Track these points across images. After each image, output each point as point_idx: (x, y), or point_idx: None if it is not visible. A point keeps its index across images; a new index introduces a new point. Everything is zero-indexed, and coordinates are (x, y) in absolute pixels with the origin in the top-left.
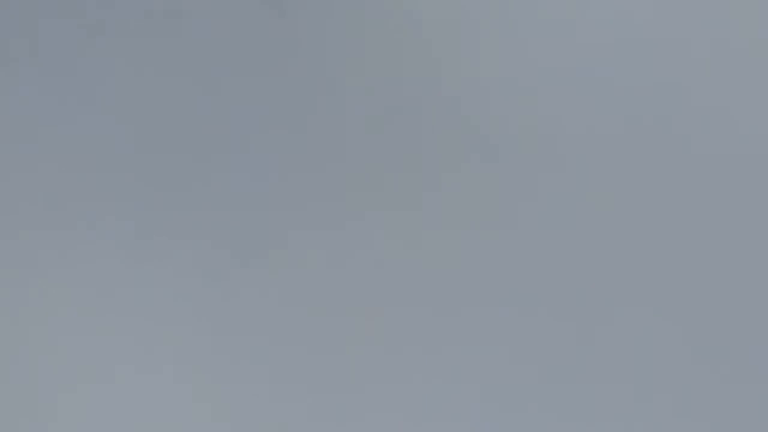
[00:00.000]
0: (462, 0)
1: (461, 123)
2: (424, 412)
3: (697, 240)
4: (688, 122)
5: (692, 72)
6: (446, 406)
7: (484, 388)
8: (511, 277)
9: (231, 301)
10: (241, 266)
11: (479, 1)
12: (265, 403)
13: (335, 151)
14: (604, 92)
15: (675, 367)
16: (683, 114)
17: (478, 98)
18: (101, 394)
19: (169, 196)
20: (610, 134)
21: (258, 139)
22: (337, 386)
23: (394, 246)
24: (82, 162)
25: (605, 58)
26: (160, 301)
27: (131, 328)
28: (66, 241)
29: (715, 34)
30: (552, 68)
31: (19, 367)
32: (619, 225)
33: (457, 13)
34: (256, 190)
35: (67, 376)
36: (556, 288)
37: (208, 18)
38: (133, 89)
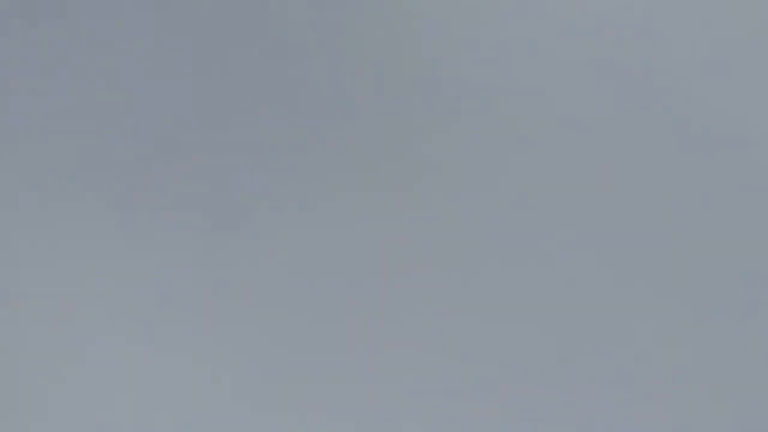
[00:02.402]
0: None
1: (449, 111)
2: (410, 374)
3: (687, 226)
4: (681, 108)
5: (680, 54)
6: (429, 371)
7: (474, 361)
8: (498, 257)
9: (220, 270)
10: (229, 236)
11: None
12: (259, 364)
13: (318, 128)
14: (592, 71)
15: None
16: (676, 100)
17: (464, 80)
18: (99, 363)
19: (163, 173)
20: (593, 112)
21: (241, 116)
22: (323, 347)
23: (376, 217)
24: (73, 143)
25: (592, 36)
26: (152, 272)
27: (124, 300)
28: (61, 216)
29: (700, 17)
30: (539, 49)
31: (16, 341)
32: (606, 206)
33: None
34: (244, 167)
35: (64, 347)
36: (540, 262)
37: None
38: (118, 71)
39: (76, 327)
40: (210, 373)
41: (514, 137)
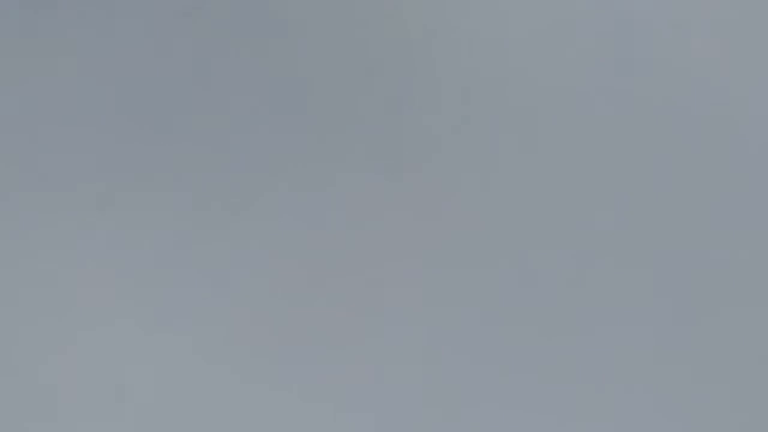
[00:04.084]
0: None
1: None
2: (400, 353)
3: (693, 223)
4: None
5: (689, 46)
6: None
7: (465, 342)
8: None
9: (212, 256)
10: (221, 224)
11: None
12: (252, 345)
13: (312, 115)
14: (588, 53)
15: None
16: (682, 93)
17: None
18: (92, 349)
19: (153, 158)
20: (590, 94)
21: (238, 98)
22: (318, 335)
23: (371, 205)
24: (68, 121)
25: (595, 26)
26: (146, 252)
27: (118, 280)
28: (57, 197)
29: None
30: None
31: (13, 322)
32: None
33: None
34: (239, 149)
35: (55, 335)
36: (538, 256)
37: None
38: (116, 53)
39: (69, 313)
40: (205, 361)
41: (516, 128)
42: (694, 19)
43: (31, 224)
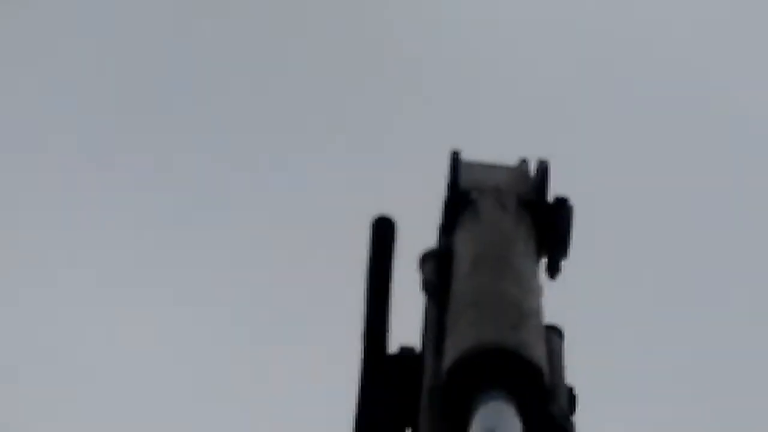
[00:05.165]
0: None
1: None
2: None
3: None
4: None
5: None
6: None
7: None
8: None
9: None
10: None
11: None
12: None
13: (311, 110)
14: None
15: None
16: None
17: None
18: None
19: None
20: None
21: (220, 85)
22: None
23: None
24: (56, 113)
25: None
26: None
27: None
28: (49, 189)
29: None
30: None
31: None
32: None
33: None
34: (236, 148)
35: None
36: None
37: None
38: (102, 33)
39: (67, 308)
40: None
41: (515, 128)
42: (693, 18)
43: (31, 222)
